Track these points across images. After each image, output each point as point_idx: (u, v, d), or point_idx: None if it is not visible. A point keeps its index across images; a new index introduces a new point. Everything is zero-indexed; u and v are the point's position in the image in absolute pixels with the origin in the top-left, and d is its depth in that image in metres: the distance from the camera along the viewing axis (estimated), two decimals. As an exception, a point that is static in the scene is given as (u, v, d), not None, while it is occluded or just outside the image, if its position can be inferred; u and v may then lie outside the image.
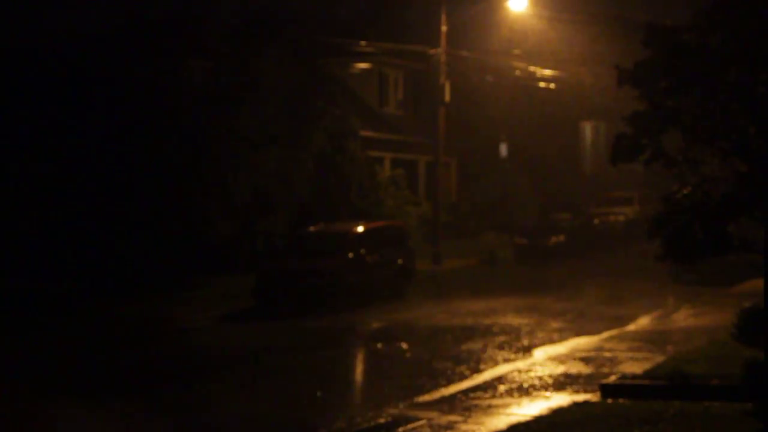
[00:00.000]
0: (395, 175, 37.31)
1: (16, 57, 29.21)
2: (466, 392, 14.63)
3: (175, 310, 24.38)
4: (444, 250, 34.29)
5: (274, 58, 30.76)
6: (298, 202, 31.57)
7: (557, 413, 12.80)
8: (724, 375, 13.22)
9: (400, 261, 27.03)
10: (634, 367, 15.76)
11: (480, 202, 43.57)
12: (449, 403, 13.90)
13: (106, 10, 29.78)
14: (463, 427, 12.56)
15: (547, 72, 42.14)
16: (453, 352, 18.17)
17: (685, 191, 12.81)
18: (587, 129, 51.98)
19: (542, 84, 42.75)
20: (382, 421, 13.04)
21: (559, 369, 16.15)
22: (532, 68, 41.77)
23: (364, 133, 36.46)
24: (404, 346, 19.19)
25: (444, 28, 34.29)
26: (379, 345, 19.74)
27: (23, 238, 28.40)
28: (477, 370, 16.30)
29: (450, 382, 15.42)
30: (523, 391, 14.62)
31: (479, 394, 14.49)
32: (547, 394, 14.36)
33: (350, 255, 25.26)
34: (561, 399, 13.84)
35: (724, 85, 12.76)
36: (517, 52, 41.41)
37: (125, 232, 28.80)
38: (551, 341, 19.01)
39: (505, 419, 12.79)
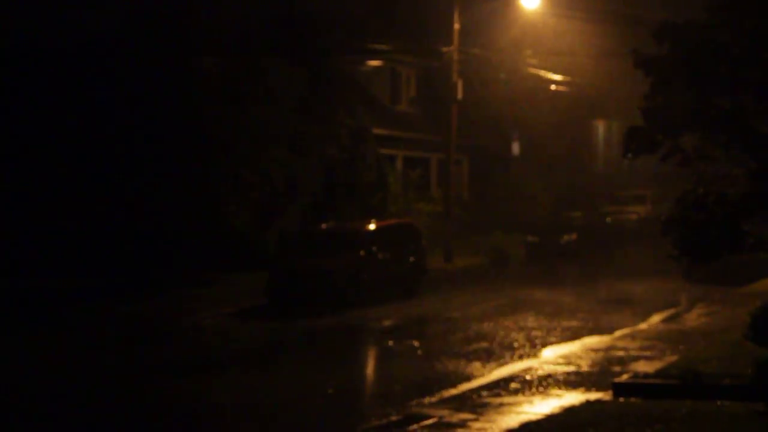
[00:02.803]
0: (408, 173, 37.31)
1: (28, 53, 29.25)
2: (477, 390, 14.62)
3: (187, 307, 24.42)
4: (455, 248, 34.29)
5: (287, 55, 30.78)
6: (311, 199, 31.57)
7: (569, 412, 12.79)
8: (736, 374, 13.20)
9: (411, 259, 27.03)
10: (646, 366, 15.74)
11: (492, 200, 43.55)
12: (461, 401, 13.90)
13: (120, 6, 29.80)
14: (475, 425, 12.55)
15: (560, 70, 42.08)
16: (464, 349, 18.16)
17: (699, 190, 12.80)
18: (600, 127, 51.92)
19: (555, 82, 42.70)
20: (393, 418, 13.04)
21: (571, 367, 16.13)
22: (544, 66, 41.73)
23: (376, 130, 36.46)
24: (416, 343, 19.20)
25: (456, 26, 34.27)
26: (391, 342, 19.74)
27: (36, 236, 28.45)
28: (488, 368, 16.29)
29: (462, 380, 15.41)
30: (535, 389, 14.61)
31: (491, 392, 14.48)
32: (559, 392, 14.34)
33: (362, 253, 25.26)
34: (573, 398, 13.82)
35: (738, 83, 12.76)
36: (529, 50, 41.36)
37: (138, 228, 28.84)
38: (563, 340, 18.99)
39: (516, 418, 12.78)
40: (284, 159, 30.46)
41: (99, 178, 28.98)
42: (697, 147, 13.08)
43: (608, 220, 40.80)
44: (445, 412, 13.21)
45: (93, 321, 22.77)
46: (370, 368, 18.39)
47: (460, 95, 34.52)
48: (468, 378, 15.55)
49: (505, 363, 16.76)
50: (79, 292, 25.83)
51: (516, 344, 18.57)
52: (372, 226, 26.42)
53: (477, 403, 13.72)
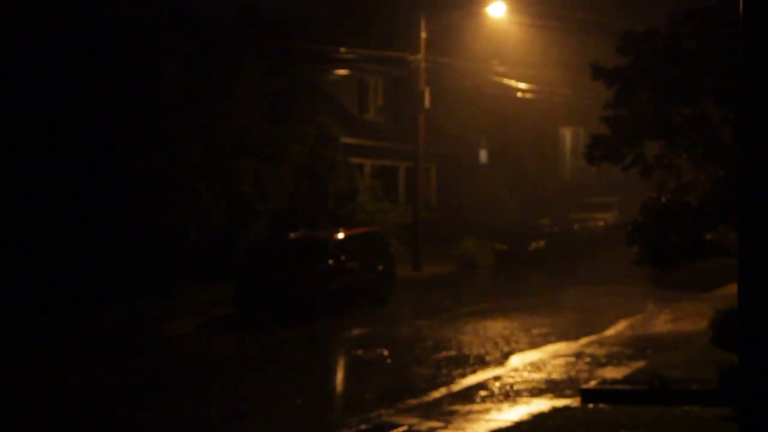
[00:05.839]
0: (374, 182, 37.37)
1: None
2: (446, 398, 14.64)
3: (154, 318, 24.32)
4: (424, 255, 34.33)
5: (252, 65, 30.71)
6: (277, 209, 31.51)
7: (537, 419, 12.84)
8: (703, 379, 13.29)
9: (380, 267, 27.03)
10: (614, 372, 15.82)
11: (460, 208, 43.67)
12: (430, 409, 13.92)
13: (82, 13, 29.55)
14: (444, 433, 12.57)
15: (527, 78, 42.29)
16: (433, 358, 18.19)
17: (663, 199, 12.91)
18: (567, 135, 52.22)
19: (522, 90, 42.90)
20: (363, 427, 13.04)
21: (540, 374, 16.19)
22: (511, 75, 41.92)
23: (344, 139, 36.49)
24: (385, 352, 19.20)
25: (424, 35, 34.37)
26: (360, 351, 19.74)
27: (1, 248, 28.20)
28: (457, 376, 16.32)
29: (430, 388, 15.43)
30: (504, 396, 14.65)
31: (459, 399, 14.51)
32: (528, 399, 14.39)
33: (330, 262, 25.24)
34: (541, 404, 13.87)
35: (701, 91, 12.88)
36: (496, 59, 41.55)
37: (103, 240, 28.67)
38: (532, 347, 19.05)
39: (485, 425, 12.82)
40: (252, 168, 30.37)
41: (66, 189, 28.77)
42: (659, 155, 13.21)
43: (576, 227, 40.99)
44: (414, 420, 13.22)
45: (60, 331, 22.62)
46: (339, 377, 18.38)
47: (427, 104, 34.60)
48: (437, 386, 15.57)
49: (474, 371, 16.80)
50: (45, 303, 25.65)
51: (484, 352, 18.62)
52: (340, 235, 26.41)
53: (446, 411, 13.75)
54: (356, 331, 22.49)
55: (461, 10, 37.45)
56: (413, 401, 14.51)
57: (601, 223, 41.92)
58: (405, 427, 12.88)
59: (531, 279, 31.94)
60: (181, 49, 29.16)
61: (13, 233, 28.39)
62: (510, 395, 14.69)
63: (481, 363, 17.48)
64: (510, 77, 41.97)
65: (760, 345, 6.81)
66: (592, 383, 14.59)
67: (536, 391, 14.89)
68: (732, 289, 23.08)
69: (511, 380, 15.79)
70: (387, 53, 36.77)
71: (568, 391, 14.57)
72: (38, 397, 16.13)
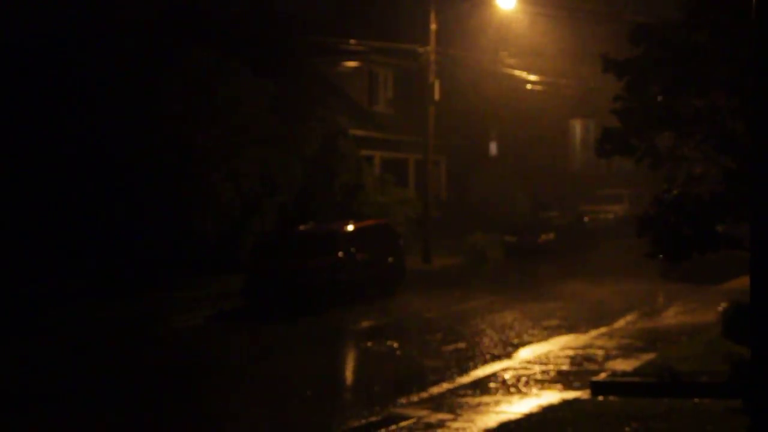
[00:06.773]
0: (384, 174, 37.36)
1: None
2: (456, 390, 14.64)
3: (164, 311, 24.34)
4: (434, 248, 34.33)
5: (263, 56, 30.71)
6: (287, 201, 31.53)
7: (547, 411, 12.83)
8: (713, 372, 13.27)
9: (390, 260, 27.05)
10: (624, 364, 15.80)
11: (470, 201, 43.64)
12: (439, 401, 13.92)
13: (84, 8, 29.56)
14: (454, 425, 12.57)
15: (537, 70, 42.22)
16: (443, 350, 18.19)
17: (674, 191, 12.89)
18: (577, 127, 52.10)
19: (531, 82, 42.83)
20: (373, 419, 13.05)
21: (549, 366, 16.18)
22: (521, 66, 41.86)
23: (354, 131, 36.49)
24: (395, 344, 19.21)
25: (433, 27, 34.32)
26: (370, 344, 19.75)
27: (6, 241, 28.19)
28: (467, 368, 16.32)
29: (440, 380, 15.43)
30: (513, 388, 14.64)
31: (469, 392, 14.51)
32: (537, 391, 14.38)
33: (340, 254, 25.26)
34: (551, 396, 13.87)
35: (713, 83, 12.85)
36: (506, 50, 41.49)
37: (112, 232, 28.69)
38: (541, 339, 19.05)
39: (495, 417, 12.81)
40: (261, 159, 30.38)
41: (77, 183, 28.79)
42: (670, 147, 13.19)
43: (586, 219, 40.95)
44: (424, 413, 13.22)
45: (71, 325, 22.65)
46: (348, 369, 18.39)
47: (437, 96, 34.56)
48: (447, 378, 15.57)
49: (484, 363, 16.79)
50: (53, 297, 25.67)
51: (494, 344, 18.61)
52: (350, 227, 26.41)
53: (455, 403, 13.75)
54: (366, 323, 22.50)
55: (471, 1, 37.38)
56: (423, 393, 14.51)
57: (611, 216, 41.88)
58: (414, 420, 12.88)
59: (540, 271, 31.92)
60: (187, 45, 29.18)
61: (23, 227, 28.41)
62: (520, 387, 14.69)
63: (491, 355, 17.48)
64: (520, 69, 41.91)
65: (771, 338, 6.81)
66: (602, 376, 14.58)
67: (546, 384, 14.88)
68: (742, 281, 23.12)
69: (520, 372, 15.78)
70: (396, 45, 36.74)
71: (577, 384, 14.56)
72: (46, 389, 16.17)
